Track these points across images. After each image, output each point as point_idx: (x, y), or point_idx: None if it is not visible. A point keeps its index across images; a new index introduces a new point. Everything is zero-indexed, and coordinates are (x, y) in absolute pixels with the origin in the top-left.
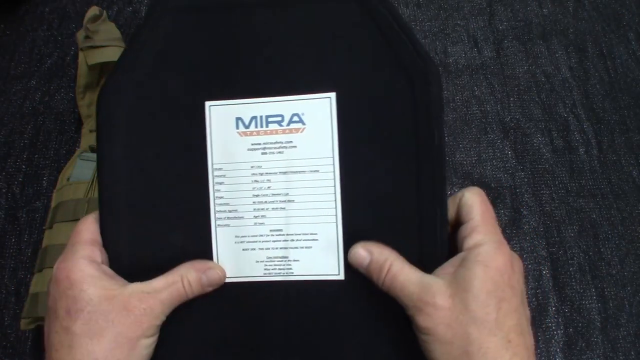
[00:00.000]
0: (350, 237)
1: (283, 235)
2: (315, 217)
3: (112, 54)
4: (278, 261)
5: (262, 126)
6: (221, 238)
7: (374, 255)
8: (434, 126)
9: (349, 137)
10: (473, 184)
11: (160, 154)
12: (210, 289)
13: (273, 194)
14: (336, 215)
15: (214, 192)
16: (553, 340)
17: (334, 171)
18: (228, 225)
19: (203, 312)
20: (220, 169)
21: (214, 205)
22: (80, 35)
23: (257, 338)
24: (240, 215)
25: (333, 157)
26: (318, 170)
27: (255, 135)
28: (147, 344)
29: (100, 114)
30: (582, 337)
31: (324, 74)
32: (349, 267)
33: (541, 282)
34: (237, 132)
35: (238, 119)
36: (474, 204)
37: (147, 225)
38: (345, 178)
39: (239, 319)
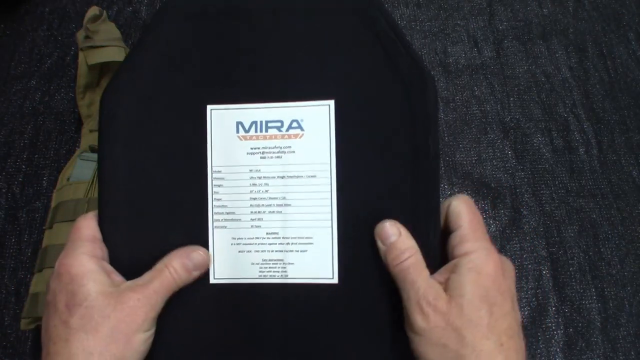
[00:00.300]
0: (345, 243)
1: (279, 238)
2: (311, 221)
3: (112, 54)
4: (273, 264)
5: (261, 131)
6: (218, 239)
7: (401, 236)
8: (429, 135)
9: (346, 144)
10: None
11: (160, 155)
12: (197, 273)
13: (270, 198)
14: (332, 220)
15: (212, 194)
16: (553, 340)
17: (330, 177)
18: (225, 227)
19: (198, 313)
20: (219, 171)
21: (212, 207)
22: (80, 35)
23: (251, 339)
24: (238, 218)
25: (330, 163)
26: (315, 176)
27: (254, 139)
28: (143, 338)
29: (103, 114)
30: (582, 337)
31: (324, 82)
32: (343, 271)
33: (541, 282)
34: (237, 136)
35: (238, 123)
36: (461, 212)
37: (146, 225)
38: (341, 184)
39: (234, 321)
